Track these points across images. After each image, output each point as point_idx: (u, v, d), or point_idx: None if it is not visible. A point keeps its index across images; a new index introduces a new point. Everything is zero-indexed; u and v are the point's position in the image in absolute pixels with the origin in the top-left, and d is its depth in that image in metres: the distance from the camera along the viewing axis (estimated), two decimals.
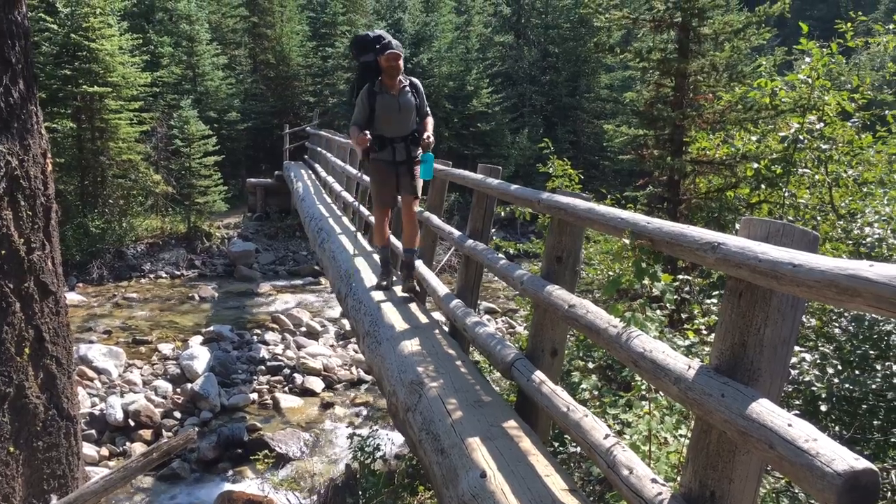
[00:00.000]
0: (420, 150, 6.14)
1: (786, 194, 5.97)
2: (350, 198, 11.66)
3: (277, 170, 23.96)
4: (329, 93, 28.29)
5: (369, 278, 7.20)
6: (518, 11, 30.05)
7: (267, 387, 10.63)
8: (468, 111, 25.70)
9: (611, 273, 7.45)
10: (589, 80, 27.43)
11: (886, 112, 6.34)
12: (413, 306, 6.22)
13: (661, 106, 9.02)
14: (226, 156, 22.60)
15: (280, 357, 11.79)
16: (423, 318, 5.85)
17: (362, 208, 10.34)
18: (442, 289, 5.78)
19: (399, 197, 6.36)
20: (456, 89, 25.80)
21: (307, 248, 18.82)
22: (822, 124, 5.76)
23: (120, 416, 9.04)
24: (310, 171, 20.56)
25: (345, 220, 11.45)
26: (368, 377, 10.77)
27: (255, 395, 10.28)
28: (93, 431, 8.78)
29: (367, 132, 5.97)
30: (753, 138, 6.67)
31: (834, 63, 5.86)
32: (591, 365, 5.20)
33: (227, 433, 8.80)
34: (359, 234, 9.92)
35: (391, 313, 5.94)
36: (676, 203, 8.56)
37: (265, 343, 12.53)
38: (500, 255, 4.94)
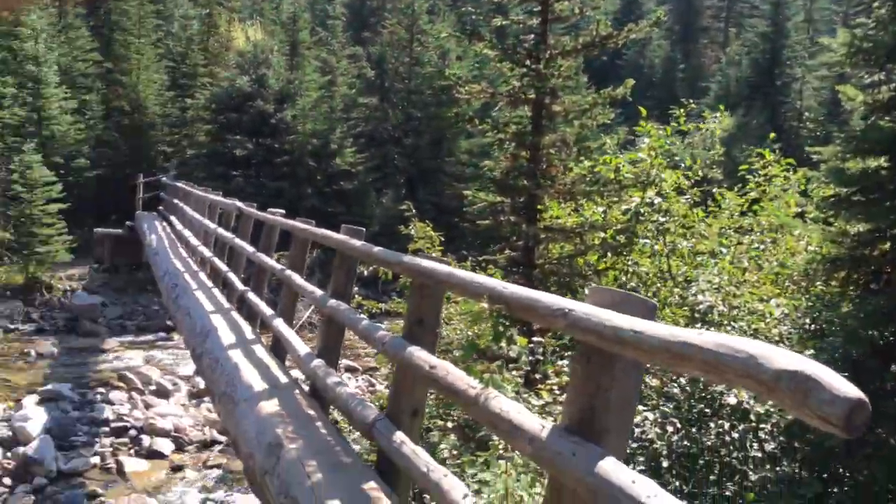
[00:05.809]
0: None
1: (629, 262, 6.45)
2: (208, 252, 11.33)
3: (129, 220, 22.85)
4: (187, 144, 27.47)
5: (227, 336, 7.01)
6: (382, 76, 30.63)
7: (111, 450, 9.94)
8: (332, 169, 25.73)
9: (470, 333, 7.66)
10: (450, 144, 28.23)
11: (715, 190, 7.05)
12: (273, 366, 6.11)
13: (517, 175, 9.49)
14: (72, 204, 21.32)
15: (126, 417, 11.09)
16: (283, 378, 5.76)
17: (219, 262, 10.08)
18: (303, 348, 5.73)
19: None
20: (320, 147, 25.81)
21: (159, 303, 17.94)
22: (659, 199, 6.32)
23: None
24: (164, 224, 19.77)
25: (202, 275, 11.10)
26: (222, 438, 10.33)
27: (96, 459, 9.58)
28: None
29: None
30: (600, 209, 7.18)
31: (669, 145, 6.47)
32: (450, 424, 5.30)
33: (63, 501, 8.16)
34: (216, 290, 9.65)
35: (249, 373, 5.81)
36: (531, 267, 8.97)
37: (110, 403, 11.75)
38: (362, 315, 4.99)
